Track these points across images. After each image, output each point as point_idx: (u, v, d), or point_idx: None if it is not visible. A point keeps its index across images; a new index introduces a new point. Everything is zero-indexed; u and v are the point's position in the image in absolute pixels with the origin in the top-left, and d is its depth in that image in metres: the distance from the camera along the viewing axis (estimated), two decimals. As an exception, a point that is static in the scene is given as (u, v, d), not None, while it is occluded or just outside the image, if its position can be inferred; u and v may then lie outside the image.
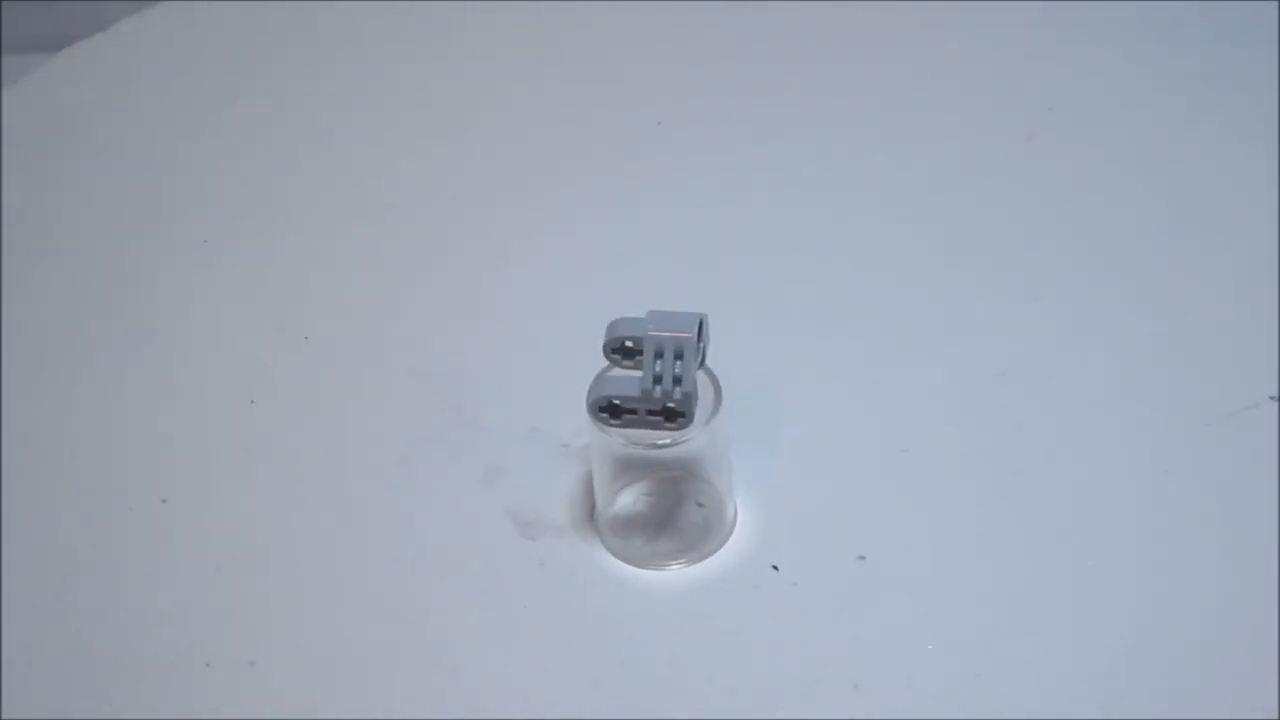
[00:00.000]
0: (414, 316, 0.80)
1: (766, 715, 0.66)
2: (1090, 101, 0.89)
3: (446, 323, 0.80)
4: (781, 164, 0.87)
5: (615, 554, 0.70)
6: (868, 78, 0.91)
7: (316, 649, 0.68)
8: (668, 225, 0.84)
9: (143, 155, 0.90)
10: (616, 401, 0.66)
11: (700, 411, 0.67)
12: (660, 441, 0.67)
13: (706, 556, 0.70)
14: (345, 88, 0.94)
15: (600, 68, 0.93)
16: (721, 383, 0.68)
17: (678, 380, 0.66)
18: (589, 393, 0.67)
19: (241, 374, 0.78)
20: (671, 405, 0.66)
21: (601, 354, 0.68)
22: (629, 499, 0.72)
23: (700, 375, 0.68)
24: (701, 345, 0.68)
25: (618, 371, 0.67)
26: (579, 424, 0.69)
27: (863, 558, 0.69)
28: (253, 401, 0.76)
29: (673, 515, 0.72)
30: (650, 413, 0.67)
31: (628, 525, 0.71)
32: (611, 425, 0.67)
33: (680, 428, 0.67)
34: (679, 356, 0.66)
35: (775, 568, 0.70)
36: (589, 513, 0.71)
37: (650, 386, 0.66)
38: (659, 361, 0.66)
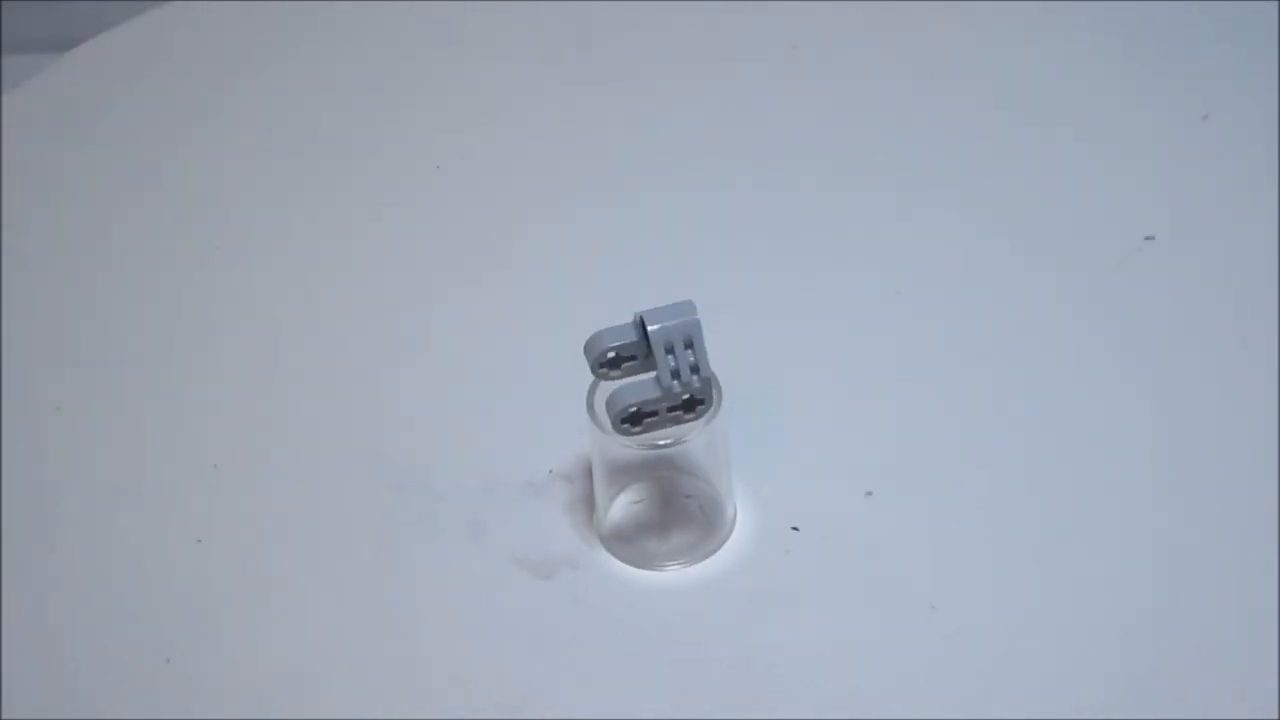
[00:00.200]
0: (349, 387, 0.78)
1: (767, 715, 0.66)
2: (1090, 101, 0.89)
3: (388, 386, 0.78)
4: (775, 162, 0.87)
5: (615, 555, 0.70)
6: (865, 76, 0.91)
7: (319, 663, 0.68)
8: (654, 228, 0.84)
9: (145, 157, 0.90)
10: (637, 408, 0.66)
11: (699, 418, 0.67)
12: (660, 442, 0.67)
13: (706, 556, 0.70)
14: (347, 89, 0.94)
15: (559, 83, 0.93)
16: (721, 383, 0.68)
17: (694, 368, 0.66)
18: (609, 407, 0.66)
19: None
20: (690, 395, 0.66)
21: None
22: (629, 500, 0.72)
23: (700, 375, 0.68)
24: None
25: (627, 381, 0.67)
26: (548, 455, 0.71)
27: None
28: (199, 541, 0.72)
29: (672, 516, 0.72)
30: (671, 409, 0.66)
31: (627, 526, 0.71)
32: (634, 434, 0.67)
33: (701, 415, 0.67)
34: (689, 345, 0.66)
35: (795, 529, 0.70)
36: (589, 515, 0.71)
37: (670, 382, 0.66)
38: (671, 356, 0.66)
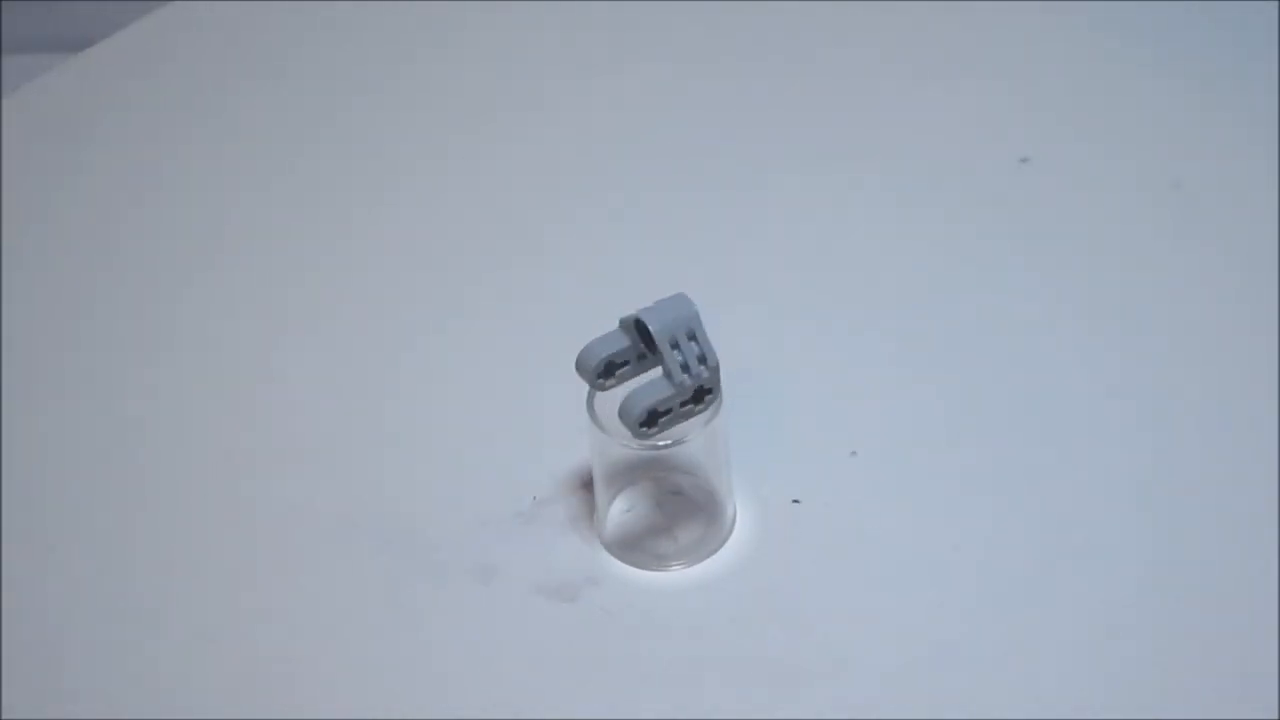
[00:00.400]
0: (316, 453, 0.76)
1: (767, 715, 0.66)
2: (1089, 101, 0.89)
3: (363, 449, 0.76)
4: (774, 163, 0.87)
5: (616, 555, 0.71)
6: (865, 76, 0.92)
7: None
8: (631, 234, 0.84)
9: (146, 159, 0.90)
10: (654, 408, 0.66)
11: (700, 415, 0.67)
12: (660, 442, 0.67)
13: (706, 556, 0.70)
14: (347, 89, 0.94)
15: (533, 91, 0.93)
16: (721, 384, 0.68)
17: (702, 359, 0.66)
18: (625, 414, 0.66)
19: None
20: (701, 385, 0.66)
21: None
22: (629, 501, 0.72)
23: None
24: None
25: (636, 385, 0.67)
26: (527, 483, 0.71)
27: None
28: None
29: (673, 516, 0.72)
30: (683, 403, 0.67)
31: (629, 529, 0.71)
32: (652, 434, 0.66)
33: (709, 405, 0.67)
34: (691, 337, 0.66)
35: (797, 500, 0.71)
36: (588, 530, 0.71)
37: (681, 376, 0.66)
38: (677, 350, 0.66)
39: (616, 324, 0.68)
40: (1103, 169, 0.85)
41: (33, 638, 0.69)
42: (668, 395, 0.66)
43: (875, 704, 0.66)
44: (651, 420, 0.66)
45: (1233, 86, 0.89)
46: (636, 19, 0.96)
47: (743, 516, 0.71)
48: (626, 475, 0.71)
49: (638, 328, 0.67)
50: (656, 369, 0.67)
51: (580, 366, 0.67)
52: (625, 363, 0.67)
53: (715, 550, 0.71)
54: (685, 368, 0.66)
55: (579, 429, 0.69)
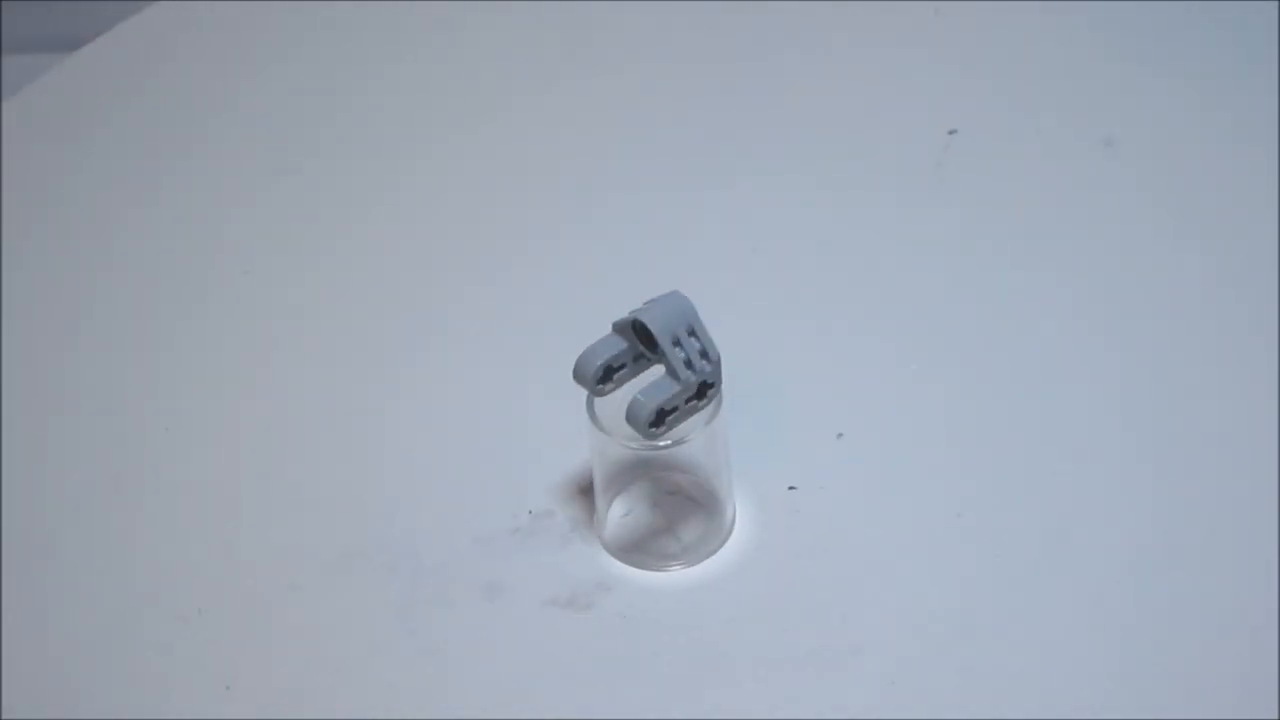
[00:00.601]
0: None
1: (767, 715, 0.66)
2: (1089, 101, 0.89)
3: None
4: (774, 163, 0.87)
5: (615, 555, 0.71)
6: (863, 76, 0.92)
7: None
8: (631, 234, 0.84)
9: (144, 159, 0.90)
10: (662, 407, 0.66)
11: (700, 414, 0.67)
12: (660, 442, 0.67)
13: (706, 557, 0.70)
14: (345, 89, 0.94)
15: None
16: (723, 386, 0.68)
17: (704, 354, 0.66)
18: (633, 417, 0.66)
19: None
20: (704, 380, 0.66)
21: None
22: (629, 501, 0.72)
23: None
24: None
25: (642, 387, 0.67)
26: (519, 497, 0.71)
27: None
28: (227, 688, 0.68)
29: (672, 516, 0.72)
30: (688, 399, 0.67)
31: (628, 527, 0.71)
32: (660, 433, 0.66)
33: (711, 399, 0.67)
34: (692, 333, 0.66)
35: (793, 487, 0.71)
36: (589, 515, 0.71)
37: (686, 373, 0.66)
38: (679, 348, 0.66)
39: (608, 328, 0.67)
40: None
41: (33, 638, 0.69)
42: (674, 393, 0.66)
43: (878, 703, 0.66)
44: (659, 420, 0.66)
45: (1163, 42, 0.90)
46: (633, 19, 0.96)
47: (742, 516, 0.71)
48: (626, 476, 0.71)
49: (636, 329, 0.67)
50: (654, 369, 0.67)
51: (579, 375, 0.67)
52: (622, 366, 0.67)
53: (715, 550, 0.71)
54: (689, 364, 0.66)
55: (570, 435, 0.69)
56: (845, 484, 0.72)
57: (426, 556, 0.70)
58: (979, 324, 0.78)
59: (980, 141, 0.87)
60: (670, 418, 0.66)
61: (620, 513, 0.71)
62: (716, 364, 0.67)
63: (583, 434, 0.69)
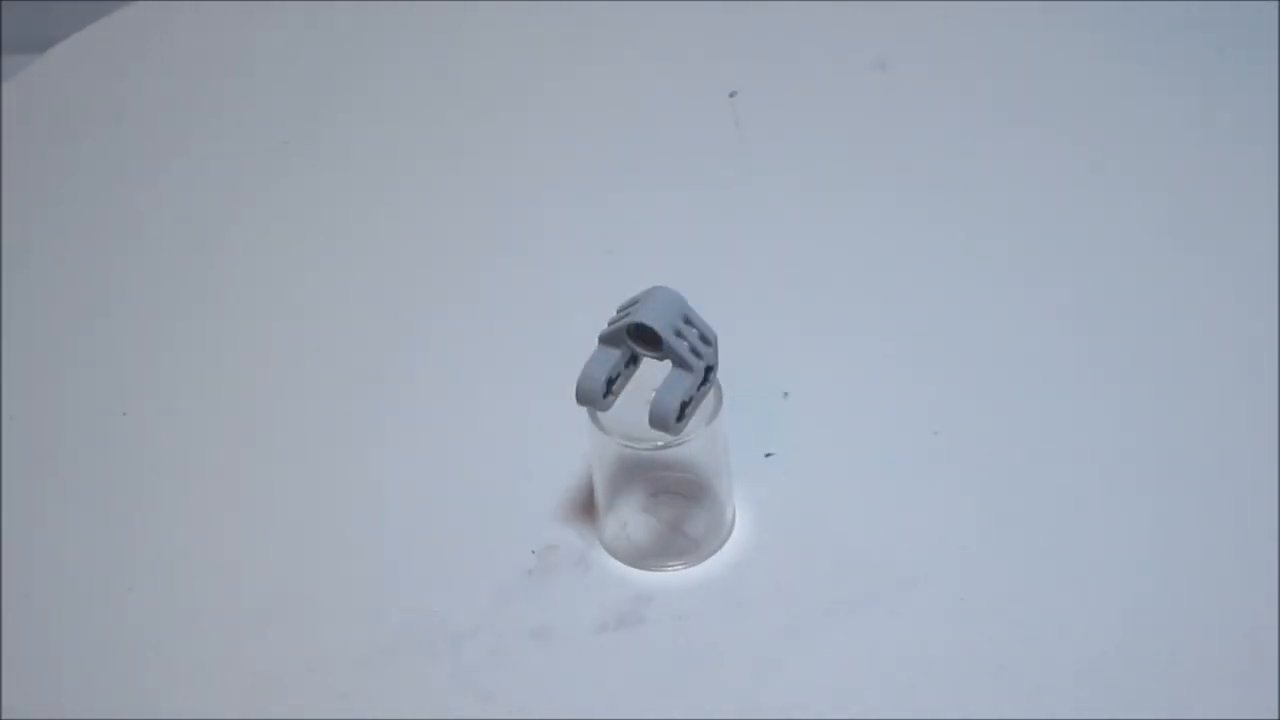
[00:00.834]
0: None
1: (767, 715, 0.66)
2: (1090, 101, 0.89)
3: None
4: (774, 165, 0.87)
5: (615, 556, 0.71)
6: (864, 77, 0.92)
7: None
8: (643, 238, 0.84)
9: (128, 155, 0.90)
10: (684, 401, 0.66)
11: (700, 414, 0.67)
12: (660, 443, 0.67)
13: (706, 557, 0.70)
14: (334, 87, 0.93)
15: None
16: (722, 386, 0.68)
17: (703, 338, 0.67)
18: (658, 417, 0.66)
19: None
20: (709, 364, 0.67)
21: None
22: (629, 501, 0.72)
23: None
24: None
25: (658, 388, 0.67)
26: (516, 542, 0.70)
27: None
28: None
29: (672, 517, 0.72)
30: (698, 387, 0.67)
31: (627, 527, 0.71)
32: (683, 426, 0.66)
33: (712, 381, 0.67)
34: (687, 321, 0.66)
35: (769, 454, 0.71)
36: (589, 515, 0.71)
37: (695, 361, 0.66)
38: (681, 339, 0.66)
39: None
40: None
41: (32, 638, 0.69)
42: (689, 384, 0.66)
43: (878, 703, 0.66)
44: (681, 414, 0.66)
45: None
46: (629, 19, 0.96)
47: (742, 516, 0.71)
48: (627, 477, 0.71)
49: (632, 332, 0.66)
50: (645, 369, 0.67)
51: (586, 398, 0.67)
52: (617, 374, 0.67)
53: (715, 550, 0.71)
54: (694, 352, 0.66)
55: (547, 459, 0.70)
56: (846, 485, 0.72)
57: (456, 624, 0.69)
58: (981, 327, 0.78)
59: (982, 142, 0.87)
60: (688, 409, 0.67)
61: (623, 510, 0.71)
62: (715, 346, 0.67)
63: (561, 458, 0.69)
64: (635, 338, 0.67)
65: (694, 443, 0.68)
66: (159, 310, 0.82)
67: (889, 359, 0.77)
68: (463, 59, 0.95)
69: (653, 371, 0.67)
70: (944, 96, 0.90)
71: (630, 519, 0.71)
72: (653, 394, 0.67)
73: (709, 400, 0.68)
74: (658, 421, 0.66)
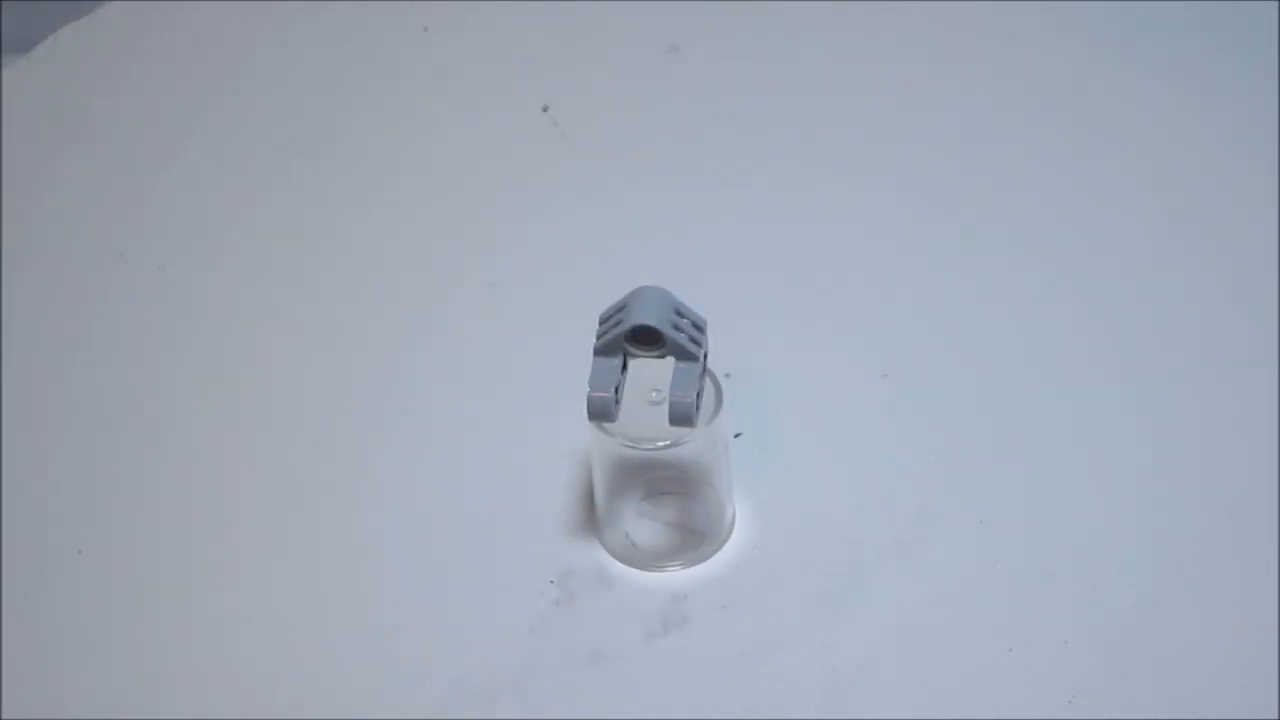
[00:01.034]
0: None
1: (766, 715, 0.66)
2: (1090, 101, 0.89)
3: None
4: (774, 163, 0.87)
5: (615, 555, 0.71)
6: (864, 77, 0.92)
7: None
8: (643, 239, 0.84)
9: (116, 156, 0.90)
10: (698, 393, 0.67)
11: (700, 414, 0.67)
12: (659, 443, 0.67)
13: (706, 558, 0.70)
14: (329, 86, 0.93)
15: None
16: (722, 386, 0.68)
17: (696, 326, 0.67)
18: (678, 414, 0.66)
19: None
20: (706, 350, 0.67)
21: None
22: (629, 501, 0.72)
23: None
24: None
25: (669, 380, 0.67)
26: (534, 575, 0.70)
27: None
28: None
29: (672, 517, 0.72)
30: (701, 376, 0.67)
31: (627, 527, 0.71)
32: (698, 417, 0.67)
33: (704, 363, 0.67)
34: (680, 313, 0.66)
35: (738, 434, 0.72)
36: (589, 515, 0.72)
37: (695, 350, 0.66)
38: (680, 332, 0.66)
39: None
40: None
41: (32, 638, 0.69)
42: (696, 375, 0.66)
43: (878, 704, 0.66)
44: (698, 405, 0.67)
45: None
46: (622, 18, 0.96)
47: (742, 516, 0.71)
48: (627, 477, 0.71)
49: (633, 335, 0.66)
50: (650, 369, 0.67)
51: (600, 413, 0.66)
52: (619, 382, 0.68)
53: (715, 550, 0.71)
54: (694, 341, 0.66)
55: (544, 466, 0.71)
56: (846, 484, 0.72)
57: (505, 675, 0.68)
58: (981, 328, 0.78)
59: (982, 143, 0.87)
60: (699, 401, 0.67)
61: (623, 510, 0.71)
62: (705, 331, 0.67)
63: (551, 473, 0.69)
64: (632, 340, 0.67)
65: (694, 443, 0.68)
66: (159, 310, 0.82)
67: (889, 359, 0.77)
68: (462, 59, 0.95)
69: (640, 373, 0.67)
70: (944, 96, 0.90)
71: (631, 522, 0.71)
72: (652, 394, 0.67)
73: (709, 399, 0.68)
74: (679, 418, 0.66)
